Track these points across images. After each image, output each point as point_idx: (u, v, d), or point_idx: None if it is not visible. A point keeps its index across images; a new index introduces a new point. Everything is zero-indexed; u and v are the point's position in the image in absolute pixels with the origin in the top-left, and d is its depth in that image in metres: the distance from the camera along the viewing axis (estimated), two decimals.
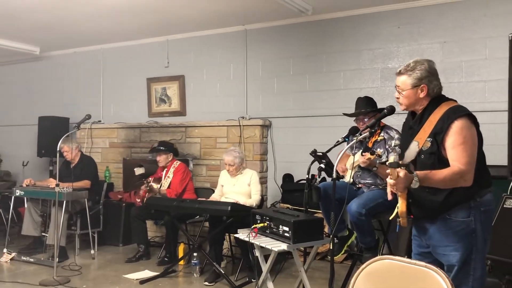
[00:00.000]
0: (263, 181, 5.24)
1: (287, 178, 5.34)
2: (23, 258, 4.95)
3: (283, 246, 3.13)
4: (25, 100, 7.60)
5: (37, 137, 6.67)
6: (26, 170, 6.97)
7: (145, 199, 4.88)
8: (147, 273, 4.48)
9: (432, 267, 1.65)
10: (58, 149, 4.56)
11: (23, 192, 5.09)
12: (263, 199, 4.84)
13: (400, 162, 2.08)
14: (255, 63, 5.62)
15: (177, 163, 5.22)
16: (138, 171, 5.87)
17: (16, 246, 5.31)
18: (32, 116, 7.04)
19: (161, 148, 5.19)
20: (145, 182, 4.98)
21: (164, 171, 5.23)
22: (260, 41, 5.59)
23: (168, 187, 5.07)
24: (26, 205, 5.25)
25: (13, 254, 5.02)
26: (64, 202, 4.74)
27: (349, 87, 5.09)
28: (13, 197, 5.20)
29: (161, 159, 5.16)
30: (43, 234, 5.28)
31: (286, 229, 3.19)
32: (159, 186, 5.07)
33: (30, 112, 7.31)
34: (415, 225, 2.40)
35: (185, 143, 5.86)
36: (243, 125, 5.44)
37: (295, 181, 5.29)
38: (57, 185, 4.54)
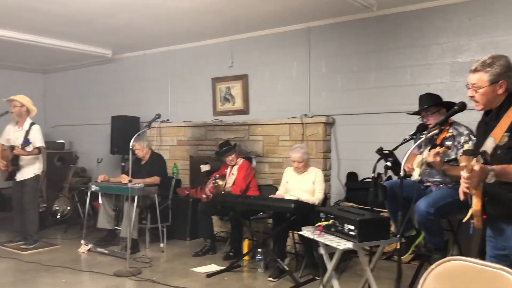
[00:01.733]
0: (326, 179, 5.21)
1: (351, 176, 5.27)
2: (99, 249, 5.27)
3: (348, 245, 3.11)
4: (98, 100, 8.07)
5: (110, 136, 7.06)
6: (100, 167, 7.38)
7: (211, 195, 5.02)
8: (213, 267, 4.61)
9: (509, 270, 1.58)
10: (130, 147, 4.80)
11: (98, 188, 5.41)
12: (326, 197, 4.82)
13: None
14: (318, 60, 5.60)
15: (240, 161, 5.33)
16: (204, 168, 6.05)
17: (92, 238, 5.66)
18: (105, 116, 7.46)
19: (231, 146, 5.30)
20: (212, 178, 5.12)
21: (229, 168, 5.34)
22: (323, 38, 5.56)
23: (233, 184, 5.18)
24: (100, 200, 5.57)
25: (90, 246, 5.36)
26: (136, 197, 4.99)
27: (416, 82, 4.93)
28: (89, 192, 5.55)
29: (232, 158, 5.28)
30: (116, 227, 5.59)
31: (352, 227, 3.17)
32: (224, 183, 5.20)
33: (103, 112, 7.75)
34: (491, 225, 2.30)
35: (248, 141, 5.95)
36: (305, 123, 5.44)
37: (359, 179, 5.21)
38: (130, 181, 4.79)
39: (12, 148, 5.35)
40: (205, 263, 4.79)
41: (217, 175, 5.21)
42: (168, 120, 6.95)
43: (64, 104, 8.68)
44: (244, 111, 6.23)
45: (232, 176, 5.25)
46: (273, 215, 4.59)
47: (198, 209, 5.28)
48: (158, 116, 4.90)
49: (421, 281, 1.75)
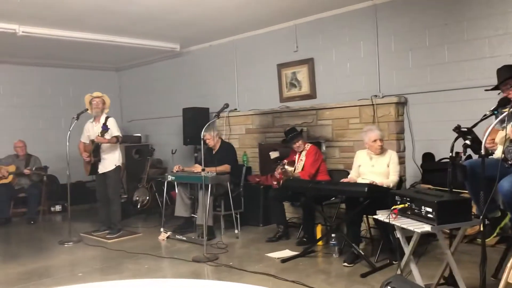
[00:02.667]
0: (400, 161, 5.02)
1: (427, 157, 5.05)
2: (177, 236, 5.49)
3: (426, 228, 2.98)
4: (169, 94, 8.36)
5: (182, 127, 7.30)
6: (174, 158, 7.69)
7: (281, 181, 5.04)
8: (287, 253, 4.64)
9: None
10: (201, 137, 4.93)
11: (174, 177, 5.62)
12: (401, 180, 4.66)
13: None
14: (386, 38, 5.39)
15: (308, 146, 5.29)
16: (273, 154, 6.07)
17: (170, 226, 5.89)
18: (177, 108, 7.72)
19: (297, 132, 5.29)
20: (280, 165, 5.14)
21: (297, 154, 5.33)
22: (391, 14, 5.34)
23: (302, 169, 5.17)
24: (176, 189, 5.78)
25: (169, 233, 5.60)
26: (209, 185, 5.13)
27: (496, 54, 4.59)
28: (165, 182, 5.77)
29: (299, 144, 5.26)
30: (193, 215, 5.79)
31: (430, 210, 3.03)
32: (293, 169, 5.19)
33: (175, 105, 8.02)
34: None
35: (316, 125, 5.88)
36: (376, 104, 5.27)
37: (436, 160, 4.98)
38: (203, 170, 4.93)
39: (93, 141, 5.68)
40: (279, 248, 4.83)
41: (286, 161, 5.21)
42: (236, 109, 7.05)
43: (138, 99, 9.09)
44: (311, 95, 6.16)
45: (300, 162, 5.23)
46: (346, 199, 4.51)
47: (269, 195, 5.33)
48: (226, 105, 4.98)
49: (508, 265, 1.64)
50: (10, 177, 6.91)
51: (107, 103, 5.88)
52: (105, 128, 5.56)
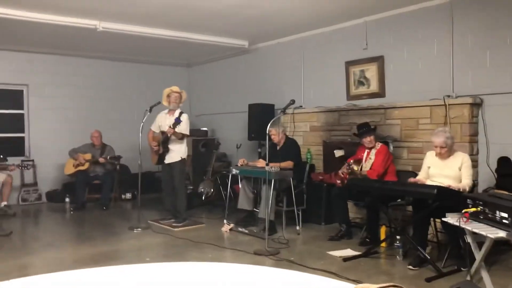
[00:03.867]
0: (473, 165, 4.79)
1: (503, 161, 4.78)
2: (239, 229, 5.60)
3: (501, 234, 2.84)
4: (236, 90, 8.51)
5: (247, 123, 7.41)
6: (239, 152, 7.83)
7: (345, 180, 4.99)
8: (349, 252, 4.59)
9: None
10: (267, 133, 4.99)
11: (238, 171, 5.73)
12: (474, 185, 4.45)
13: None
14: (462, 35, 5.16)
15: (379, 145, 5.19)
16: (338, 153, 6.02)
17: (233, 218, 6.01)
18: (243, 104, 7.86)
19: (371, 128, 5.21)
20: (346, 163, 5.08)
21: (366, 152, 5.25)
22: (468, 11, 5.10)
23: (370, 168, 5.08)
24: (240, 183, 5.88)
25: (232, 225, 5.72)
26: (273, 180, 5.18)
27: None
28: (230, 176, 5.91)
29: (371, 139, 5.17)
30: (255, 209, 5.86)
31: (505, 215, 2.89)
32: (359, 167, 5.12)
33: (241, 101, 8.16)
34: None
35: (384, 125, 5.75)
36: (449, 104, 5.07)
37: None
38: (267, 165, 4.98)
39: (163, 132, 5.90)
40: (341, 247, 4.79)
41: (352, 160, 5.15)
42: (301, 106, 7.05)
43: (206, 94, 9.34)
44: (380, 94, 6.04)
45: (369, 161, 5.14)
46: (413, 201, 4.39)
47: (332, 194, 5.29)
48: (292, 102, 4.99)
49: None
50: (86, 165, 7.37)
51: (184, 98, 6.11)
52: (178, 121, 5.79)
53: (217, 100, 9.03)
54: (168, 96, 6.01)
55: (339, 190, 5.22)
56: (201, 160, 7.97)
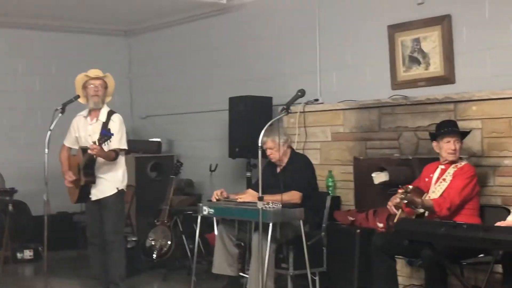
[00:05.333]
0: None
1: None
2: None
3: None
4: (209, 74, 8.50)
5: (227, 128, 7.36)
6: (214, 178, 7.75)
7: (395, 219, 4.94)
8: None
9: None
10: (259, 145, 4.93)
11: (212, 210, 5.65)
12: None
13: None
14: None
15: (462, 163, 5.14)
16: (379, 178, 5.97)
17: None
18: (220, 98, 7.83)
19: (460, 130, 5.17)
20: (401, 189, 4.99)
21: (436, 172, 5.21)
22: None
23: (441, 195, 5.05)
24: (216, 230, 5.80)
25: None
26: (271, 225, 5.10)
27: None
28: (199, 218, 5.82)
29: (456, 148, 5.08)
30: (242, 274, 5.79)
31: None
32: (422, 199, 5.08)
33: (217, 92, 8.15)
34: None
35: None
36: None
37: None
38: (260, 198, 4.92)
39: (84, 150, 5.80)
40: None
41: (410, 187, 5.09)
42: (316, 100, 7.05)
43: (158, 82, 9.30)
44: (447, 78, 6.04)
45: (441, 183, 5.09)
46: (504, 257, 4.36)
47: (372, 245, 5.24)
48: (301, 93, 4.95)
49: None
50: None
51: (111, 87, 6.04)
52: (106, 134, 5.65)
53: (176, 92, 9.00)
54: (85, 87, 5.96)
55: (383, 238, 5.17)
56: (151, 193, 7.91)
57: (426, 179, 5.27)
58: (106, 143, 5.63)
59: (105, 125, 5.83)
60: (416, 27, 6.24)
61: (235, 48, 8.13)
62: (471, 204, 5.05)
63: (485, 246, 4.52)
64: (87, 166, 5.84)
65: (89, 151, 5.67)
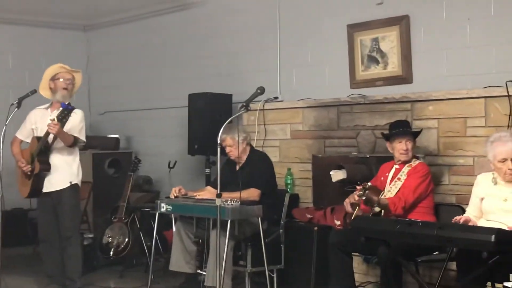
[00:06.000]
0: None
1: None
2: None
3: None
4: (168, 70, 8.48)
5: (187, 125, 7.35)
6: (173, 175, 7.73)
7: (353, 216, 4.99)
8: None
9: None
10: (218, 143, 4.94)
11: (170, 207, 5.66)
12: None
13: None
14: None
15: (416, 161, 5.25)
16: (337, 175, 6.02)
17: (163, 287, 5.93)
18: (179, 94, 7.81)
19: (410, 131, 5.25)
20: (360, 186, 5.04)
21: (391, 171, 5.29)
22: None
23: (396, 193, 5.13)
24: (174, 227, 5.82)
25: None
26: (229, 222, 5.13)
27: None
28: (156, 215, 5.82)
29: (408, 148, 5.17)
30: (199, 271, 5.79)
31: None
32: (378, 197, 5.13)
33: (176, 88, 8.14)
34: None
35: (412, 128, 5.81)
36: None
37: None
38: (219, 196, 4.93)
39: (39, 138, 5.71)
40: None
41: (369, 184, 5.15)
42: (276, 97, 7.07)
43: (116, 78, 9.25)
44: (404, 78, 6.11)
45: (396, 183, 5.17)
46: (458, 254, 4.45)
47: (328, 242, 5.29)
48: (261, 91, 4.96)
49: None
50: None
51: (78, 84, 6.00)
52: (66, 107, 5.45)
53: (135, 88, 8.97)
54: (54, 79, 5.90)
55: (340, 236, 5.23)
56: (108, 189, 7.86)
57: (382, 178, 5.36)
58: (66, 118, 5.48)
59: (66, 104, 5.67)
60: (375, 27, 6.30)
61: (195, 45, 8.12)
62: (425, 202, 5.14)
63: (439, 243, 4.61)
64: (41, 153, 5.75)
65: (48, 129, 5.51)
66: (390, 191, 5.16)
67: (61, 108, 5.50)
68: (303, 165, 6.73)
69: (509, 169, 4.39)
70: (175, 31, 8.39)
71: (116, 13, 8.78)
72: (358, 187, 5.06)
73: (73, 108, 5.54)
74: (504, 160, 4.39)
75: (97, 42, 9.61)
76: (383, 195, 5.15)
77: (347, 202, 5.27)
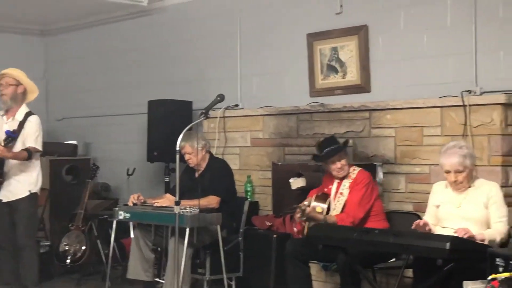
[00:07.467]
0: (509, 201, 5.00)
1: None
2: None
3: None
4: (128, 76, 8.44)
5: (146, 133, 7.33)
6: (132, 182, 7.70)
7: (305, 232, 5.02)
8: None
9: None
10: (177, 150, 4.94)
11: (128, 215, 5.62)
12: (510, 234, 4.64)
13: None
14: None
15: (355, 171, 5.28)
16: (296, 183, 6.06)
17: None
18: (139, 101, 7.79)
19: (338, 147, 5.25)
20: (298, 206, 5.06)
21: (335, 183, 5.33)
22: None
23: (342, 211, 5.17)
24: (132, 234, 5.79)
25: None
26: (187, 230, 5.13)
27: None
28: (114, 222, 5.79)
29: (341, 165, 5.22)
30: (157, 279, 5.78)
31: None
32: (325, 208, 5.18)
33: (135, 95, 8.11)
34: None
35: (369, 137, 5.89)
36: (470, 105, 5.27)
37: None
38: (177, 203, 4.94)
39: None
40: None
41: (313, 196, 5.20)
42: (236, 105, 7.09)
43: (77, 84, 9.17)
44: (362, 87, 6.18)
45: (340, 198, 5.21)
46: (415, 261, 4.50)
47: (286, 250, 5.32)
48: (221, 98, 4.98)
49: None
50: None
51: (28, 87, 5.92)
52: (10, 135, 5.54)
53: (93, 94, 8.90)
54: None
55: (297, 244, 5.24)
56: (66, 196, 7.80)
57: (326, 190, 5.38)
58: (11, 143, 5.54)
59: (21, 124, 5.71)
60: (334, 36, 6.36)
61: (155, 51, 8.11)
62: (376, 208, 5.20)
63: (395, 251, 4.68)
64: None
65: None
66: (335, 208, 5.19)
67: (5, 134, 5.56)
68: (263, 172, 6.75)
69: (452, 181, 4.51)
70: (135, 38, 8.37)
71: (75, 18, 8.72)
72: (297, 209, 5.09)
73: (16, 136, 5.57)
74: (448, 172, 4.51)
75: (55, 48, 9.53)
76: (332, 209, 5.20)
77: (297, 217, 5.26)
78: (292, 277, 5.29)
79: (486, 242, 4.24)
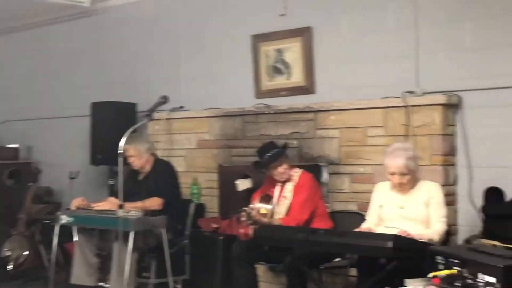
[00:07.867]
0: (449, 200, 5.11)
1: (493, 194, 5.12)
2: None
3: None
4: (68, 78, 8.34)
5: (89, 135, 7.26)
6: (75, 186, 7.59)
7: (252, 233, 5.04)
8: None
9: None
10: (120, 152, 4.91)
11: (71, 219, 5.58)
12: (450, 232, 4.73)
13: None
14: (431, 1, 5.51)
15: (297, 174, 5.32)
16: (243, 185, 6.08)
17: None
18: (81, 103, 7.68)
19: (278, 152, 5.27)
20: (243, 210, 5.08)
21: (277, 188, 5.36)
22: None
23: (286, 213, 5.20)
24: (76, 239, 5.73)
25: None
26: (132, 234, 5.10)
27: None
28: (57, 227, 5.74)
29: (282, 170, 5.24)
30: (102, 283, 5.73)
31: (492, 280, 3.10)
32: (269, 210, 5.19)
33: (78, 97, 8.01)
34: None
35: (314, 138, 5.93)
36: (411, 106, 5.36)
37: (506, 199, 5.08)
38: (121, 207, 4.90)
39: None
40: None
41: (256, 198, 5.21)
42: (182, 107, 7.07)
43: (18, 86, 9.03)
44: (307, 88, 6.23)
45: (284, 201, 5.24)
46: (359, 261, 4.56)
47: (232, 252, 5.33)
48: (164, 100, 4.97)
49: None
50: None
51: None
52: None
53: (35, 97, 8.78)
54: None
55: (244, 245, 5.25)
56: (7, 201, 7.69)
57: (270, 191, 5.41)
58: None
59: None
60: (279, 37, 6.39)
61: (98, 53, 8.04)
62: (320, 210, 5.28)
63: (340, 250, 4.73)
64: None
65: None
66: (279, 212, 5.22)
67: None
68: (209, 174, 6.74)
69: (397, 182, 4.59)
70: (77, 39, 8.27)
71: (15, 19, 8.58)
72: (242, 213, 5.11)
73: None
74: (393, 173, 4.58)
75: None
76: (275, 213, 5.21)
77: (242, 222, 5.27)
78: (239, 278, 5.31)
79: (432, 240, 4.34)
